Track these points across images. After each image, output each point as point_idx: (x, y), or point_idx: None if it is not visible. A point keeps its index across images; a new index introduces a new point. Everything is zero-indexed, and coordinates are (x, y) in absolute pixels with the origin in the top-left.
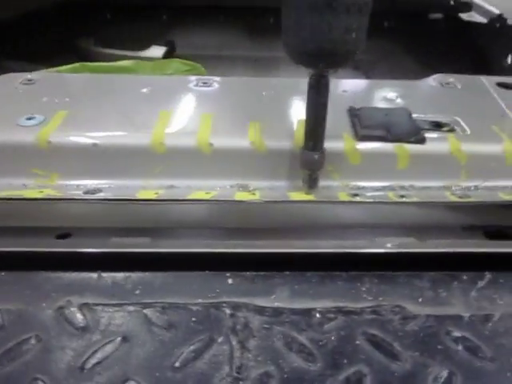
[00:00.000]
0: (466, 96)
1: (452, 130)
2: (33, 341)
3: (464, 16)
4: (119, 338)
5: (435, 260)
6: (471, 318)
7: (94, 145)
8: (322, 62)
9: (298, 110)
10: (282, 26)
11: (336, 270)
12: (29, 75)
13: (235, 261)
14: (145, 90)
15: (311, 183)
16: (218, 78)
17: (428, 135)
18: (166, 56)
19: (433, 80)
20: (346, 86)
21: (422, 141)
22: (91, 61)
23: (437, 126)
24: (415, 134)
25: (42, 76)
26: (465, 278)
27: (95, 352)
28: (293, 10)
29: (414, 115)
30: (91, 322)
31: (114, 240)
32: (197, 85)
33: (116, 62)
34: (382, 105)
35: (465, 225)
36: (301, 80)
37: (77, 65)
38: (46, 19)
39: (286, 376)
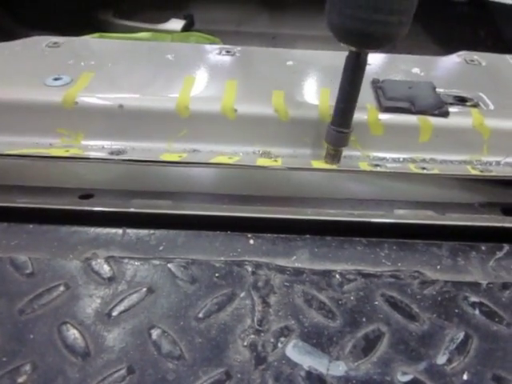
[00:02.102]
0: (491, 73)
1: (475, 105)
2: (61, 288)
3: None
4: (145, 289)
5: (454, 231)
6: (489, 285)
7: (120, 106)
8: (362, 42)
9: (321, 82)
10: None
11: (355, 236)
12: (54, 39)
13: (256, 224)
14: (169, 56)
15: (334, 159)
16: (240, 48)
17: (451, 109)
18: (185, 30)
19: (457, 57)
20: (371, 59)
21: (446, 114)
22: (110, 32)
23: (460, 100)
24: (439, 107)
25: (67, 40)
26: (483, 248)
27: (122, 300)
28: None
29: (438, 90)
30: (117, 273)
31: (136, 201)
32: (220, 53)
33: (134, 34)
34: (405, 78)
35: (482, 201)
36: (324, 53)
37: (96, 35)
38: None
39: (306, 330)
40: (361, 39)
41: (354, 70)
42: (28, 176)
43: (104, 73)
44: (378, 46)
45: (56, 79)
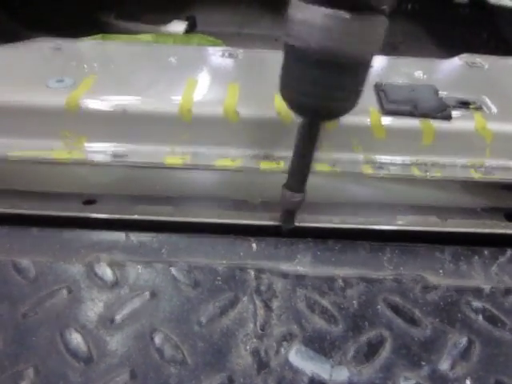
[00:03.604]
0: (493, 76)
1: (478, 109)
2: (64, 292)
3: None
4: (147, 293)
5: (456, 236)
6: (491, 290)
7: (123, 109)
8: (308, 114)
9: None
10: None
11: (358, 240)
12: (57, 41)
13: (259, 229)
14: (172, 59)
15: (287, 221)
16: (243, 50)
17: (454, 112)
18: (187, 31)
19: (459, 59)
20: (373, 63)
21: (448, 117)
22: (112, 34)
23: (463, 103)
24: (441, 110)
25: (70, 42)
26: (486, 253)
27: (124, 305)
28: (286, 58)
29: (441, 93)
30: (120, 277)
31: (139, 208)
32: (223, 55)
33: (137, 36)
34: (408, 81)
35: (485, 206)
36: None
37: (98, 37)
38: None
39: (308, 335)
40: (306, 111)
41: (306, 141)
42: (30, 179)
43: (107, 75)
44: (324, 119)
45: (59, 81)
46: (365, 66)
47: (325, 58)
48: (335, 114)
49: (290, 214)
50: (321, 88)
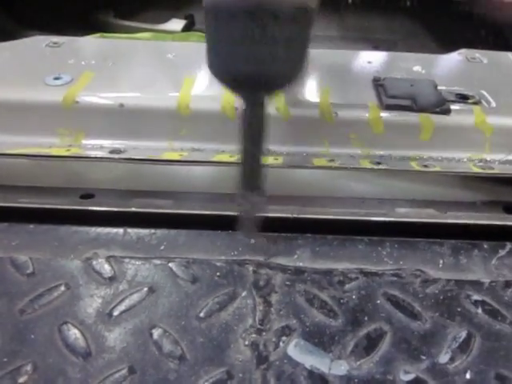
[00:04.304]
0: (492, 71)
1: (477, 103)
2: (62, 288)
3: None
4: (146, 289)
5: (456, 230)
6: (491, 283)
7: (121, 105)
8: (246, 86)
9: (321, 80)
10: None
11: (357, 234)
12: (55, 38)
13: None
14: (170, 56)
15: (250, 228)
16: None
17: (453, 107)
18: (185, 30)
19: (458, 54)
20: (372, 57)
21: (448, 111)
22: (110, 33)
23: (462, 98)
24: (441, 105)
25: (68, 40)
26: (485, 246)
27: (123, 300)
28: (208, 27)
29: (440, 87)
30: (118, 272)
31: (137, 201)
32: None
33: (135, 34)
34: (407, 76)
35: (484, 199)
36: (324, 51)
37: (97, 35)
38: None
39: (307, 329)
40: (243, 84)
41: (251, 125)
42: (28, 176)
43: (104, 72)
44: (267, 90)
45: (56, 79)
46: (306, 14)
47: (255, 8)
48: (278, 80)
49: (250, 219)
50: (256, 47)
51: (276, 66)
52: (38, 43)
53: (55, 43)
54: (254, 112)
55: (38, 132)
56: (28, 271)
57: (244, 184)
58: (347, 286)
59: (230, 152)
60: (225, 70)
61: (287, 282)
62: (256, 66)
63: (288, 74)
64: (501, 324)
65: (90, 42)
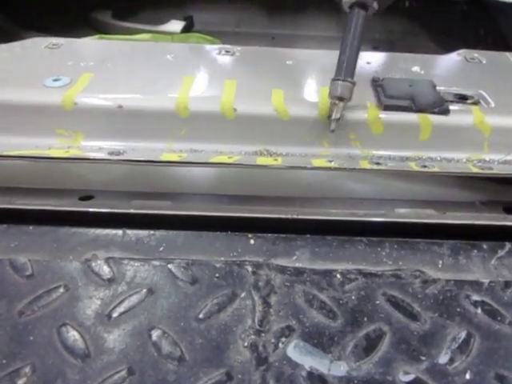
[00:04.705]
0: (491, 71)
1: (476, 103)
2: (61, 289)
3: None
4: (145, 290)
5: (455, 230)
6: (490, 284)
7: (119, 107)
8: None
9: (320, 81)
10: None
11: (356, 235)
12: (54, 40)
13: (257, 223)
14: (169, 57)
15: (337, 112)
16: (240, 48)
17: (452, 107)
18: (184, 31)
19: (457, 55)
20: (371, 58)
21: (446, 112)
22: (109, 34)
23: (461, 98)
24: (439, 105)
25: (67, 41)
26: (485, 247)
27: (122, 302)
28: None
29: (438, 88)
30: (117, 274)
31: (136, 202)
32: (220, 53)
33: (134, 35)
34: (405, 77)
35: (484, 200)
36: (323, 52)
37: (96, 37)
38: None
39: (307, 330)
40: None
41: (355, 26)
42: (28, 177)
43: (103, 73)
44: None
45: (55, 80)
46: None
47: None
48: None
49: (340, 101)
50: None
51: None
52: (38, 45)
53: (54, 45)
54: (357, 17)
55: (37, 133)
56: (27, 273)
57: (338, 73)
58: (347, 287)
59: (228, 153)
60: None
61: (286, 283)
62: None
63: None
64: (500, 324)
65: (89, 44)
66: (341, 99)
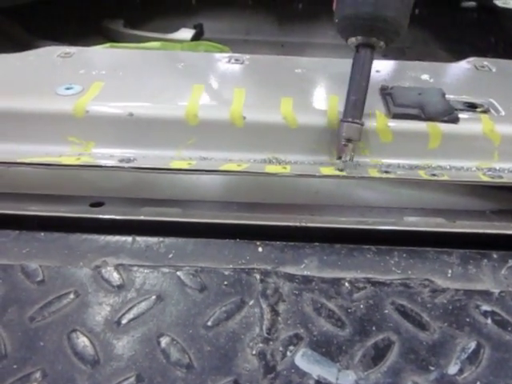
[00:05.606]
0: (501, 79)
1: (486, 111)
2: (71, 295)
3: (499, 3)
4: (154, 297)
5: (465, 239)
6: (501, 294)
7: (130, 115)
8: (359, 28)
9: (329, 89)
10: None
11: (365, 243)
12: (67, 49)
13: (265, 231)
14: (179, 65)
15: (346, 153)
16: (249, 56)
17: (461, 115)
18: (194, 39)
19: (467, 63)
20: (380, 66)
21: (456, 120)
22: (120, 42)
23: (470, 106)
24: (449, 114)
25: (79, 50)
26: (495, 256)
27: (131, 308)
28: None
29: (448, 96)
30: (127, 280)
31: (146, 209)
32: (229, 61)
33: (145, 43)
34: (415, 85)
35: (494, 208)
36: (332, 60)
37: (107, 45)
38: (75, 0)
39: (315, 339)
40: (357, 25)
41: (363, 64)
42: (39, 184)
43: (114, 82)
44: (378, 34)
45: (67, 89)
46: None
47: None
48: (389, 28)
49: (349, 147)
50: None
51: (391, 12)
52: (51, 53)
53: (67, 53)
54: (365, 56)
55: (49, 141)
56: (38, 279)
57: (348, 115)
58: (355, 296)
59: (237, 161)
60: (341, 14)
61: (295, 291)
62: (366, 9)
63: (399, 24)
64: (510, 335)
65: (101, 53)
66: (349, 141)
